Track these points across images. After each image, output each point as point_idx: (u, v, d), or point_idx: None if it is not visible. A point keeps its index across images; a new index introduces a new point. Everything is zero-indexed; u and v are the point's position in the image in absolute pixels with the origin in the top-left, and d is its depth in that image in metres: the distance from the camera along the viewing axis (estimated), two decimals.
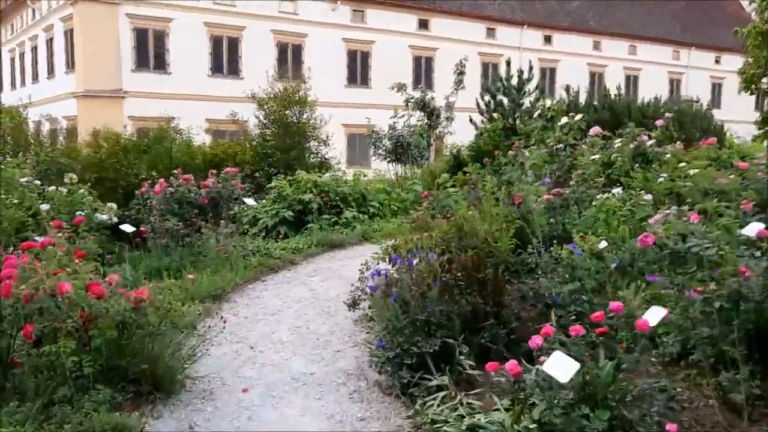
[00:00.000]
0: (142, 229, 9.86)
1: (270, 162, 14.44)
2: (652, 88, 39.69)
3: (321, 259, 10.58)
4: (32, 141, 13.54)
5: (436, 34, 37.31)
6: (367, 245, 11.53)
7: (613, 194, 7.27)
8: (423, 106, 14.59)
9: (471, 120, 16.68)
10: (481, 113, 16.65)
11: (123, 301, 5.62)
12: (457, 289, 6.24)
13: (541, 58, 39.76)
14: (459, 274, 6.24)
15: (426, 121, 14.92)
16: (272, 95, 15.51)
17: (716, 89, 45.82)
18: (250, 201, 10.57)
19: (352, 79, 35.17)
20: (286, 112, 14.97)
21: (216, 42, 31.54)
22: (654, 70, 43.39)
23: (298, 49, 33.41)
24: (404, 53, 36.53)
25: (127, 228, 8.77)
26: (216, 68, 31.61)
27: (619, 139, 10.46)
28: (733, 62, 44.98)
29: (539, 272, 6.60)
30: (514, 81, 16.30)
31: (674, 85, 44.51)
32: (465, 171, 13.77)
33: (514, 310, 6.24)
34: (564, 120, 9.67)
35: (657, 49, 43.54)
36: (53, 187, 9.68)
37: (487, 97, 16.31)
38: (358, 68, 35.40)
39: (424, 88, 14.65)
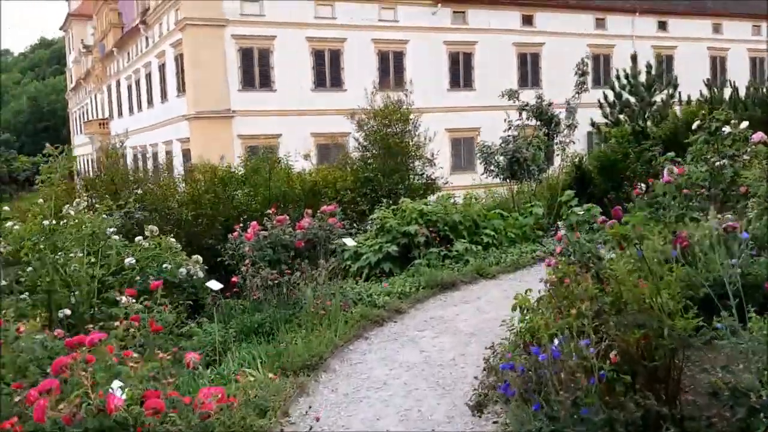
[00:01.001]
0: (233, 280, 8.61)
1: (372, 187, 12.98)
2: None
3: (431, 305, 8.95)
4: (131, 178, 12.70)
5: (541, 29, 34.91)
6: (482, 283, 9.82)
7: None
8: (540, 113, 12.68)
9: (593, 124, 14.65)
10: (605, 115, 14.56)
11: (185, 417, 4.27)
12: (620, 385, 4.49)
13: (656, 45, 36.43)
14: (621, 365, 4.49)
15: (544, 130, 13.00)
16: (372, 113, 14.05)
17: None
18: (349, 242, 9.12)
19: (454, 83, 33.36)
20: (388, 130, 13.46)
21: (318, 56, 30.60)
22: (737, 48, 38.81)
23: (399, 56, 31.96)
24: (508, 51, 34.38)
25: (214, 285, 7.50)
26: (319, 82, 30.67)
27: None
28: None
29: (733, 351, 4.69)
30: (642, 77, 14.08)
31: (756, 62, 39.77)
32: (594, 193, 11.81)
33: (701, 412, 4.40)
34: (727, 129, 7.58)
35: (741, 24, 38.94)
36: (140, 238, 8.56)
37: (611, 96, 14.19)
38: (460, 70, 33.54)
39: (541, 95, 12.69)
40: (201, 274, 7.79)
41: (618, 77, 14.72)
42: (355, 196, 12.83)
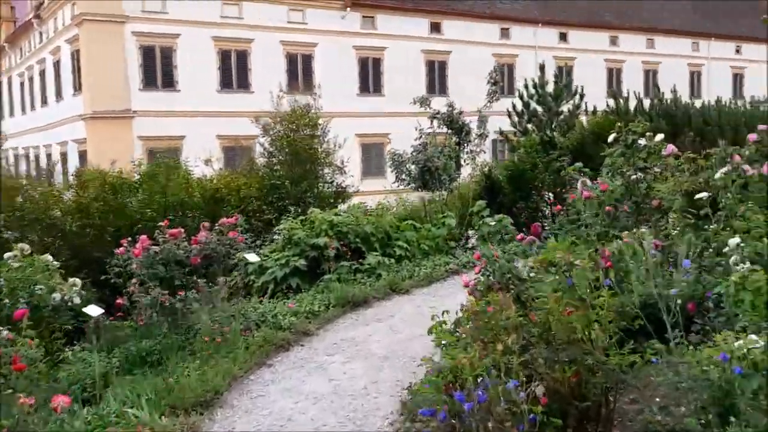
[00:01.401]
0: (118, 302, 7.65)
1: (279, 195, 12.16)
2: (670, 82, 37.18)
3: (342, 324, 8.25)
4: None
5: (448, 37, 34.86)
6: (396, 298, 9.22)
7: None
8: (451, 122, 12.26)
9: (501, 133, 14.38)
10: (513, 125, 14.34)
11: None
12: (551, 430, 3.96)
13: (557, 56, 37.15)
14: (551, 405, 3.97)
15: (455, 138, 12.58)
16: (278, 118, 13.23)
17: (737, 80, 42.99)
18: (252, 257, 8.28)
19: (364, 88, 32.82)
20: (295, 135, 12.67)
21: (224, 56, 29.33)
22: (673, 63, 40.62)
23: (308, 59, 31.12)
24: (417, 58, 34.14)
25: (93, 311, 6.53)
26: (225, 83, 29.40)
27: (704, 161, 8.01)
28: (756, 51, 42.25)
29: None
30: (550, 87, 13.93)
31: (694, 77, 41.75)
32: (501, 199, 11.55)
33: None
34: (642, 141, 7.28)
35: (675, 41, 40.79)
36: (10, 254, 7.41)
37: (519, 105, 13.96)
38: (370, 75, 33.03)
39: (452, 103, 12.27)
40: (78, 300, 6.78)
41: (526, 87, 14.54)
42: (260, 204, 11.98)
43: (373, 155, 31.78)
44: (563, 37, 38.29)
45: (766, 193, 7.16)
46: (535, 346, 4.34)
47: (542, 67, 15.05)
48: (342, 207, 12.25)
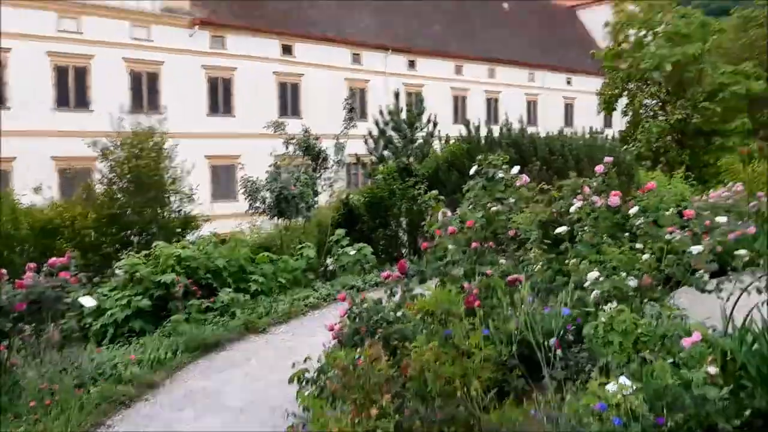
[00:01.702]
0: None
1: (119, 226, 11.07)
2: (510, 110, 39.17)
3: (192, 372, 7.47)
4: None
5: (300, 60, 34.49)
6: (252, 340, 8.54)
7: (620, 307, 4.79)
8: (307, 147, 11.81)
9: (358, 159, 14.15)
10: (370, 151, 14.15)
11: None
12: None
13: (407, 83, 37.98)
14: None
15: (311, 164, 12.13)
16: (119, 142, 12.10)
17: (568, 109, 46.11)
18: (88, 301, 7.31)
19: (214, 108, 31.60)
20: (138, 162, 11.62)
21: (61, 72, 27.05)
22: (512, 92, 42.87)
23: (153, 78, 29.47)
24: (269, 80, 33.43)
25: None
26: (61, 101, 27.10)
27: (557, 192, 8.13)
28: (583, 83, 45.56)
29: None
30: (404, 114, 13.92)
31: (531, 106, 44.25)
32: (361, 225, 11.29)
33: None
34: (500, 174, 7.23)
35: (514, 71, 43.08)
36: None
37: (374, 131, 13.79)
38: (220, 96, 31.88)
39: (308, 128, 11.81)
40: None
41: (381, 113, 14.43)
42: (99, 236, 10.82)
43: (222, 177, 30.63)
44: (412, 64, 39.16)
45: (613, 224, 7.34)
46: (410, 402, 3.96)
47: (397, 95, 15.05)
48: (191, 237, 11.37)
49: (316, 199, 11.96)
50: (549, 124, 40.63)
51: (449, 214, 7.98)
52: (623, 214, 7.47)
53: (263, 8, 34.01)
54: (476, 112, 38.96)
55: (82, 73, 27.54)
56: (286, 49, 34.15)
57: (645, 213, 6.65)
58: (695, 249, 5.63)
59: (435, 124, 14.13)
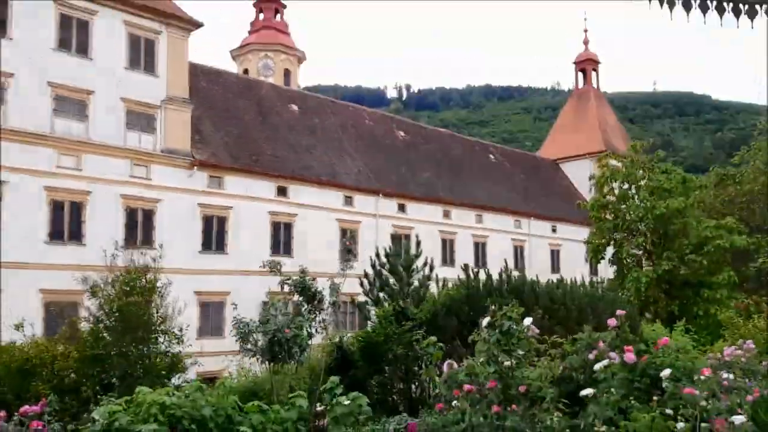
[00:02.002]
0: None
1: (102, 367, 10.35)
2: (498, 254, 39.33)
3: None
4: None
5: (295, 201, 34.86)
6: None
7: None
8: (303, 288, 11.38)
9: (353, 301, 13.74)
10: (366, 293, 13.76)
11: None
12: None
13: (396, 225, 38.32)
14: None
15: (306, 306, 11.66)
16: (111, 278, 11.64)
17: (554, 255, 46.42)
18: None
19: (207, 245, 31.40)
20: (129, 299, 11.10)
21: (56, 207, 26.94)
22: (499, 237, 43.31)
23: (149, 215, 29.47)
24: (263, 219, 33.56)
25: None
26: (56, 234, 26.78)
27: (570, 345, 7.68)
28: (567, 231, 46.23)
29: None
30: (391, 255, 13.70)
31: (518, 251, 44.53)
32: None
33: None
34: (514, 327, 6.77)
35: (501, 218, 43.77)
36: None
37: (371, 275, 13.45)
38: (213, 234, 31.79)
39: (305, 269, 11.45)
40: None
41: (378, 255, 14.18)
42: (79, 378, 10.06)
43: (211, 313, 29.89)
44: (402, 207, 39.67)
45: (628, 381, 6.81)
46: None
47: (394, 237, 14.89)
48: (176, 380, 10.61)
49: (309, 342, 11.36)
50: (535, 269, 40.65)
51: (455, 365, 7.45)
52: (640, 372, 6.99)
53: (261, 152, 34.84)
54: (464, 255, 39.11)
55: (78, 208, 27.47)
56: (281, 191, 34.59)
57: (677, 376, 6.19)
58: (737, 419, 5.12)
59: (431, 268, 13.86)
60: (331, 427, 10.11)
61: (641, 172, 29.84)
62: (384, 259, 13.99)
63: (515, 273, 12.10)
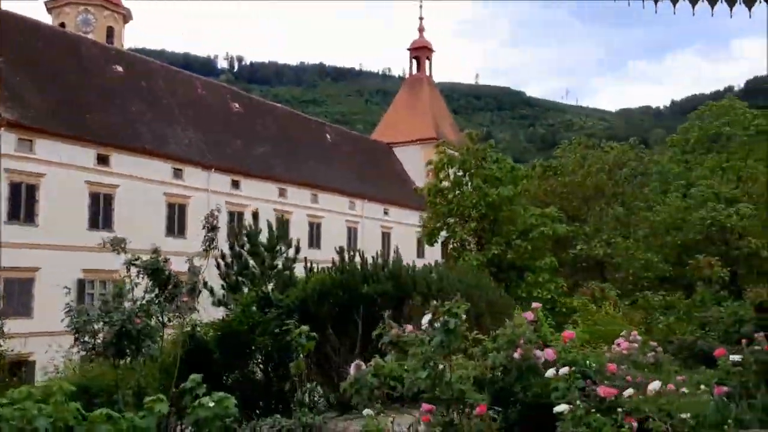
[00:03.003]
0: None
1: None
2: (332, 236, 38.65)
3: None
4: None
5: (117, 171, 31.47)
6: None
7: None
8: (155, 271, 9.59)
9: (206, 285, 12.01)
10: (222, 277, 12.11)
11: None
12: None
13: (230, 201, 36.15)
14: None
15: (156, 291, 9.86)
16: None
17: (385, 237, 46.70)
18: None
19: (14, 216, 27.30)
20: None
21: None
22: (334, 218, 42.64)
23: None
24: (80, 189, 29.90)
25: None
26: None
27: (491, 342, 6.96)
28: (399, 214, 46.73)
29: None
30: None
31: (352, 233, 44.20)
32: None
33: None
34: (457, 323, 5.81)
35: (336, 199, 43.09)
36: None
37: (228, 256, 11.83)
38: (22, 203, 27.73)
39: (158, 248, 9.65)
40: None
41: (237, 236, 12.56)
42: None
43: (17, 292, 26.04)
44: (236, 184, 37.57)
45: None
46: None
47: (255, 214, 13.39)
48: None
49: (162, 333, 9.64)
50: (368, 251, 40.49)
51: (363, 366, 6.36)
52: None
53: (80, 115, 31.01)
54: (298, 235, 37.84)
55: None
56: (102, 159, 31.06)
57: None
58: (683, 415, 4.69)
59: (298, 250, 12.56)
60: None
61: (474, 160, 30.49)
62: (245, 240, 12.46)
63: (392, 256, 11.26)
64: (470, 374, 6.11)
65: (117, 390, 8.62)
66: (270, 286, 11.34)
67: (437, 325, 5.14)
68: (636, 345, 8.06)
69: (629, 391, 5.86)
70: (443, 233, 31.36)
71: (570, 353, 6.78)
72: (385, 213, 46.90)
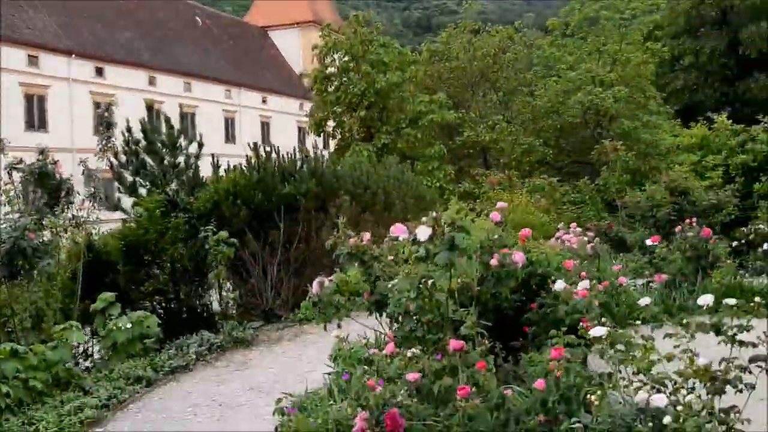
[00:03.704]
0: None
1: None
2: (208, 126, 36.31)
3: None
4: None
5: None
6: None
7: None
8: (43, 176, 8.04)
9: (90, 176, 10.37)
10: (117, 178, 10.53)
11: None
12: None
13: (94, 91, 32.79)
14: None
15: (45, 201, 8.32)
16: None
17: (265, 128, 44.69)
18: None
19: None
20: None
21: None
22: (210, 107, 39.94)
23: None
24: None
25: None
26: None
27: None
28: (278, 103, 44.68)
29: None
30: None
31: (229, 123, 41.82)
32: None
33: None
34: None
35: (212, 87, 40.20)
36: None
37: (121, 154, 10.26)
38: None
39: (46, 149, 8.01)
40: None
41: (130, 131, 10.88)
42: None
43: None
44: (99, 71, 33.93)
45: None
46: None
47: (150, 108, 11.70)
48: None
49: (59, 249, 8.26)
50: (246, 140, 38.84)
51: (327, 282, 5.63)
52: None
53: None
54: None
55: None
56: None
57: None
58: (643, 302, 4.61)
59: (201, 146, 11.14)
60: (108, 358, 7.58)
61: (361, 45, 29.07)
62: (141, 136, 10.87)
63: (310, 153, 10.18)
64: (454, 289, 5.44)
65: (12, 316, 7.35)
66: (173, 187, 10.07)
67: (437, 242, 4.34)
68: (584, 238, 7.86)
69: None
70: (330, 123, 30.26)
71: (530, 254, 6.40)
72: (264, 102, 44.60)
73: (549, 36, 33.04)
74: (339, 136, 30.01)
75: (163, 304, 9.13)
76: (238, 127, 42.20)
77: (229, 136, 40.21)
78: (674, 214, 10.77)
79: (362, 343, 5.71)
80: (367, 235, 5.79)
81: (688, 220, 8.49)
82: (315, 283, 5.46)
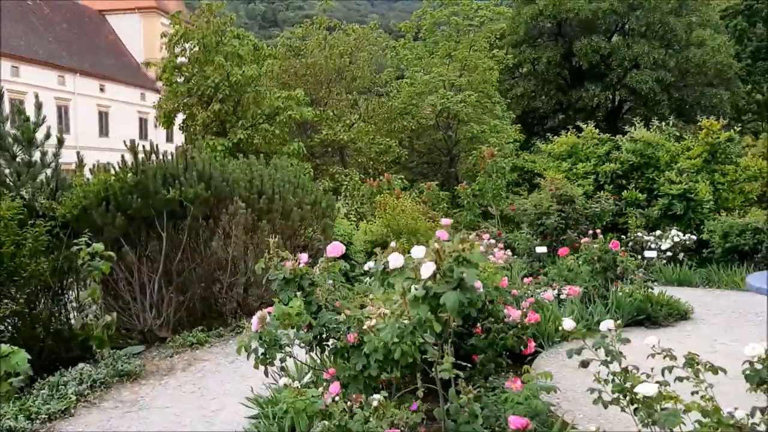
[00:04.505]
0: None
1: None
2: (41, 115, 32.46)
3: None
4: None
5: None
6: None
7: None
8: None
9: None
10: None
11: None
12: None
13: None
14: None
15: None
16: None
17: (103, 118, 40.93)
18: None
19: None
20: None
21: None
22: (40, 95, 35.64)
23: None
24: None
25: None
26: None
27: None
28: (117, 92, 41.15)
29: None
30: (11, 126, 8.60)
31: (62, 111, 37.74)
32: None
33: None
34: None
35: (43, 72, 36.00)
36: None
37: None
38: None
39: None
40: None
41: None
42: None
43: None
44: None
45: None
46: None
47: (0, 96, 9.72)
48: None
49: None
50: (83, 134, 35.50)
51: (268, 319, 4.80)
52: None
53: None
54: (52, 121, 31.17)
55: None
56: None
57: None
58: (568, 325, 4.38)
59: (61, 142, 9.41)
60: None
61: (214, 36, 27.38)
62: None
63: (189, 155, 8.89)
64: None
65: None
66: (28, 189, 8.43)
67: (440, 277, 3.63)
68: (508, 252, 7.57)
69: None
70: (180, 115, 28.26)
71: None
72: (102, 90, 40.80)
73: (402, 39, 33.31)
74: (191, 130, 28.09)
75: (22, 329, 7.57)
76: (73, 116, 38.27)
77: (63, 127, 36.34)
78: (561, 222, 10.96)
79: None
80: (304, 257, 5.01)
81: (591, 232, 8.51)
82: (255, 319, 4.59)
